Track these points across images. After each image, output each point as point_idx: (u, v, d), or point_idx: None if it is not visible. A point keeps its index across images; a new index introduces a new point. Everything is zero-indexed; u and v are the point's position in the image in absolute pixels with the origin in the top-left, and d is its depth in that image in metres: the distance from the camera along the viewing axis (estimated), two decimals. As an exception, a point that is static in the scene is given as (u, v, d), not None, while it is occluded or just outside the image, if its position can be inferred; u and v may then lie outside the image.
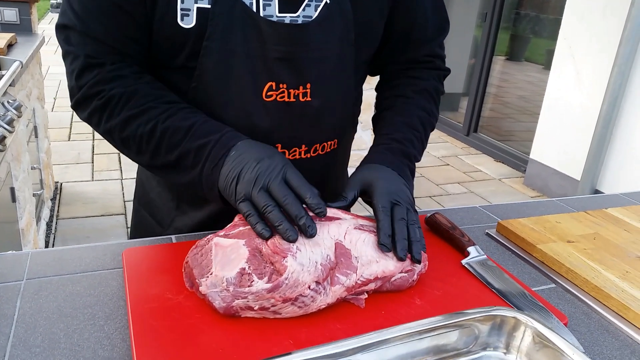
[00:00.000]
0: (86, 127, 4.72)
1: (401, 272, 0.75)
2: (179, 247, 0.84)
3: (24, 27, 2.93)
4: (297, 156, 0.93)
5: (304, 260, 0.69)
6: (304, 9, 0.84)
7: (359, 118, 1.11)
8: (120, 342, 0.65)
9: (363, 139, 3.56)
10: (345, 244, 0.75)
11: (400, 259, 0.75)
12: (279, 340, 0.64)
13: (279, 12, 0.83)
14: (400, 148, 0.92)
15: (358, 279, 0.72)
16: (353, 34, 0.89)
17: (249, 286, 0.66)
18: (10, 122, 1.74)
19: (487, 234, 1.01)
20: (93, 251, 0.85)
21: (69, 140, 4.62)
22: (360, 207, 0.85)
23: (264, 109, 0.87)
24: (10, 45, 2.47)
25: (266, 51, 0.84)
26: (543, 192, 4.21)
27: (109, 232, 3.13)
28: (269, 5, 0.83)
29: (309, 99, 0.89)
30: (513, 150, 4.85)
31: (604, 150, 3.57)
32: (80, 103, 0.86)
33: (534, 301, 0.76)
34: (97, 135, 4.55)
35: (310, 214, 0.73)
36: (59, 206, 3.38)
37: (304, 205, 0.73)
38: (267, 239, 0.71)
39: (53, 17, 12.47)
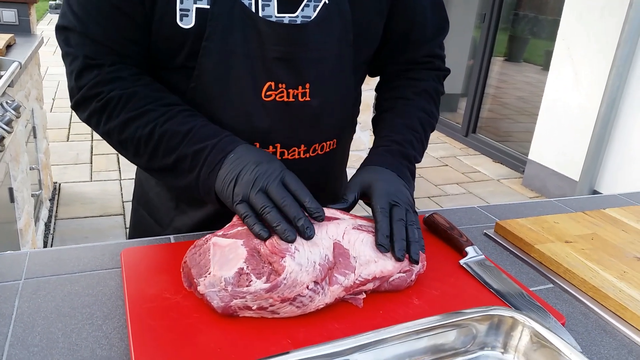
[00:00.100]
0: (85, 128, 4.74)
1: (399, 272, 0.75)
2: (178, 247, 0.84)
3: (22, 28, 2.93)
4: (296, 156, 0.93)
5: (302, 260, 0.69)
6: (302, 10, 0.84)
7: (357, 119, 1.11)
8: (119, 341, 0.65)
9: (362, 140, 3.56)
10: (344, 244, 0.75)
11: (398, 260, 0.75)
12: (277, 340, 0.65)
13: (278, 13, 0.83)
14: (399, 150, 0.92)
15: (356, 279, 0.72)
16: (352, 34, 0.89)
17: (247, 286, 0.67)
18: (8, 123, 1.74)
19: (485, 234, 1.01)
20: (91, 251, 0.85)
21: (67, 140, 4.62)
22: (359, 208, 0.86)
23: (263, 109, 0.87)
24: (9, 46, 2.47)
25: (265, 51, 0.84)
26: (541, 192, 4.22)
27: (108, 233, 3.13)
28: (268, 5, 0.83)
29: (308, 99, 0.89)
30: (511, 151, 4.85)
31: (602, 151, 3.58)
32: (80, 104, 0.86)
33: (531, 301, 0.76)
34: (96, 136, 4.57)
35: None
36: (57, 206, 3.38)
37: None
38: (265, 240, 0.71)
39: (52, 18, 12.47)
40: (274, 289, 0.66)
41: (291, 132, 0.91)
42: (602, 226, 1.02)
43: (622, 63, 3.36)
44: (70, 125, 4.99)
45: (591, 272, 0.85)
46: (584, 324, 0.76)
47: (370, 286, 0.73)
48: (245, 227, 0.75)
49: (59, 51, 0.86)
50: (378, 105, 1.05)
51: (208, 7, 0.80)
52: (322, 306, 0.69)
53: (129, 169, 3.95)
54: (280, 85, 0.86)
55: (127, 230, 3.18)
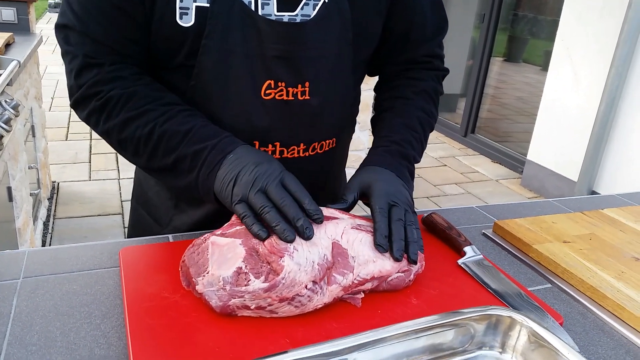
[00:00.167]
0: (83, 127, 4.73)
1: (398, 272, 0.75)
2: (176, 246, 0.84)
3: (21, 27, 2.93)
4: (296, 155, 0.93)
5: (301, 260, 0.69)
6: (302, 8, 0.85)
7: (357, 118, 1.11)
8: (117, 340, 0.65)
9: (361, 140, 3.56)
10: (342, 244, 0.75)
11: (397, 260, 0.75)
12: (276, 339, 0.65)
13: (278, 11, 0.83)
14: (399, 150, 0.92)
15: (355, 279, 0.72)
16: (351, 33, 0.90)
17: (245, 285, 0.67)
18: (7, 122, 1.73)
19: (484, 234, 1.01)
20: (90, 250, 0.85)
21: (66, 139, 4.62)
22: (358, 208, 0.86)
23: (262, 108, 0.87)
24: (8, 45, 2.46)
25: (265, 50, 0.84)
26: (540, 193, 4.22)
27: (106, 232, 3.12)
28: (268, 4, 0.83)
29: (307, 97, 0.89)
30: (510, 151, 4.86)
31: (601, 151, 3.58)
32: (79, 103, 0.86)
33: (529, 301, 0.76)
34: (95, 135, 4.56)
35: None
36: (56, 206, 3.38)
37: None
38: (263, 240, 0.71)
39: (51, 17, 12.45)
40: (272, 288, 0.66)
41: (291, 130, 0.91)
42: (600, 226, 1.02)
43: (621, 63, 3.36)
44: (69, 124, 4.98)
45: (589, 272, 0.85)
46: (582, 323, 0.77)
47: (368, 286, 0.74)
48: (244, 226, 0.75)
49: (58, 50, 0.86)
50: (377, 105, 1.05)
51: (208, 5, 0.80)
52: (320, 306, 0.69)
53: (128, 168, 3.95)
54: (279, 84, 0.87)
55: (126, 229, 3.18)
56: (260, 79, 0.86)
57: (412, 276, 0.77)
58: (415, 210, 0.86)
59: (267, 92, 0.87)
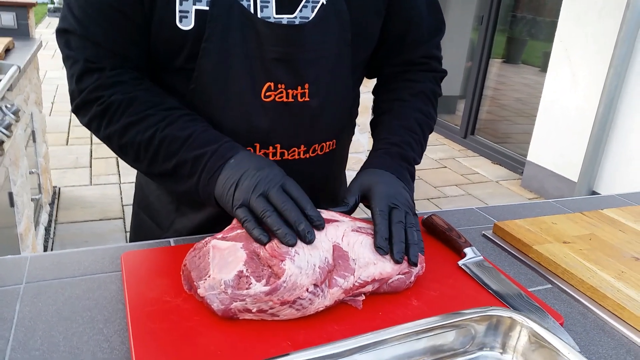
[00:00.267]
0: (84, 132, 4.74)
1: (398, 274, 0.75)
2: (177, 250, 0.84)
3: (21, 32, 2.93)
4: (296, 156, 0.93)
5: (302, 263, 0.69)
6: (300, 10, 0.85)
7: (356, 121, 1.12)
8: (120, 344, 0.66)
9: (360, 142, 3.56)
10: (343, 247, 0.75)
11: (397, 262, 0.75)
12: (277, 342, 0.65)
13: (276, 14, 0.84)
14: (398, 152, 0.93)
15: (356, 281, 0.72)
16: (349, 34, 0.90)
17: (247, 289, 0.67)
18: (8, 127, 1.74)
19: (484, 235, 1.01)
20: (92, 255, 0.85)
21: (67, 144, 4.62)
22: (358, 210, 0.86)
23: (262, 110, 0.88)
24: (7, 50, 2.47)
25: (264, 52, 0.85)
26: (540, 193, 4.22)
27: (108, 237, 3.13)
28: (267, 7, 0.83)
29: (307, 99, 0.90)
30: (510, 152, 4.86)
31: (601, 151, 3.58)
32: (80, 108, 0.86)
33: (530, 301, 0.76)
34: (95, 140, 4.56)
35: None
36: (57, 211, 3.38)
37: None
38: (264, 245, 0.71)
39: (50, 21, 12.47)
40: (273, 292, 0.67)
41: (291, 132, 0.91)
42: (600, 226, 1.03)
43: (619, 64, 3.37)
44: (69, 129, 4.99)
45: (589, 272, 0.85)
46: (582, 323, 0.77)
47: (369, 288, 0.74)
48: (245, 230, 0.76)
49: (57, 55, 0.87)
50: (376, 108, 1.05)
51: (207, 8, 0.81)
52: (321, 308, 0.70)
53: (129, 173, 3.95)
54: (279, 86, 0.87)
55: (127, 234, 3.18)
56: (260, 81, 0.86)
57: (412, 278, 0.77)
58: (416, 212, 0.86)
59: (267, 94, 0.87)
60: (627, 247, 0.95)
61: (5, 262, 0.82)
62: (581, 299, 0.82)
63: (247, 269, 0.69)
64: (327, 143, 0.98)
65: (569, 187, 3.91)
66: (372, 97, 1.09)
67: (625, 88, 3.44)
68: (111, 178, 3.94)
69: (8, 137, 1.75)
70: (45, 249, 2.88)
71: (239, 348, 0.63)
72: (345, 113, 1.01)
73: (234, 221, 0.79)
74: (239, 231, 0.75)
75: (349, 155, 1.16)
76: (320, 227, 0.74)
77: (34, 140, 2.93)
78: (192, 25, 0.81)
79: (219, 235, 0.76)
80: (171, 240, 0.90)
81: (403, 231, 0.78)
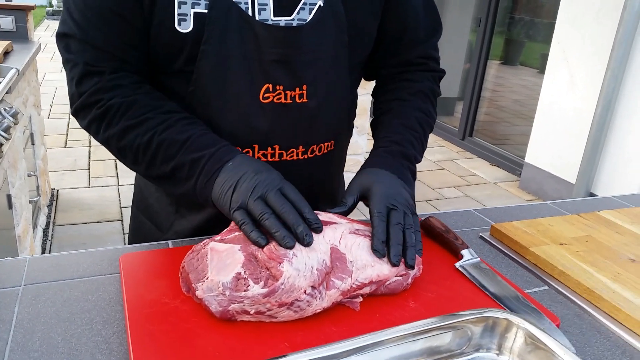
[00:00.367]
0: (82, 134, 4.74)
1: (396, 275, 0.76)
2: (176, 252, 0.84)
3: (20, 35, 2.94)
4: (295, 157, 0.94)
5: (300, 265, 0.70)
6: (298, 13, 0.86)
7: (354, 123, 1.12)
8: (118, 346, 0.66)
9: (359, 144, 3.57)
10: (341, 249, 0.76)
11: (394, 265, 0.75)
12: (275, 344, 0.65)
13: (274, 16, 0.85)
14: (399, 150, 0.93)
15: (353, 283, 0.73)
16: (346, 35, 0.91)
17: (244, 291, 0.67)
18: (7, 130, 1.74)
19: (481, 237, 1.02)
20: (90, 257, 0.85)
21: (65, 147, 4.62)
22: (356, 211, 0.86)
23: (261, 111, 0.88)
24: (6, 53, 2.47)
25: (262, 54, 0.85)
26: (538, 195, 4.23)
27: (106, 239, 3.13)
28: (264, 9, 0.84)
29: (305, 100, 0.90)
30: (508, 154, 4.87)
31: (598, 153, 3.59)
32: (80, 111, 0.87)
33: (526, 303, 0.77)
34: (94, 142, 4.56)
35: None
36: (55, 213, 3.38)
37: None
38: (262, 247, 0.71)
39: (49, 24, 12.47)
40: (271, 294, 0.67)
41: (289, 133, 0.92)
42: (597, 228, 1.03)
43: (617, 65, 3.38)
44: (67, 131, 4.99)
45: (585, 274, 0.86)
46: (579, 325, 0.77)
47: (367, 290, 0.74)
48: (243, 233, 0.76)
49: (56, 57, 0.88)
50: (375, 109, 1.06)
51: (205, 11, 0.81)
52: (319, 310, 0.70)
53: (127, 175, 3.95)
54: (277, 87, 0.88)
55: (125, 236, 3.18)
56: (258, 83, 0.87)
57: (410, 280, 0.77)
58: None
59: (266, 95, 0.88)
60: (623, 249, 0.96)
61: (4, 264, 0.82)
62: (577, 301, 0.82)
63: (245, 271, 0.69)
64: (326, 144, 0.98)
65: (567, 189, 3.92)
66: (370, 98, 1.09)
67: (623, 90, 3.45)
68: (109, 180, 3.94)
69: (7, 139, 1.75)
70: (43, 251, 2.88)
71: (237, 349, 0.64)
72: (344, 114, 1.01)
73: (232, 224, 0.79)
74: (237, 233, 0.76)
75: (348, 157, 1.16)
76: (318, 230, 0.74)
77: (33, 143, 2.94)
78: (191, 28, 0.82)
79: (217, 237, 0.76)
80: (169, 242, 0.91)
81: (401, 233, 0.78)
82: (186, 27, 0.82)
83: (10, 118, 1.80)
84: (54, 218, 3.31)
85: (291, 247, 0.70)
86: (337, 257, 0.74)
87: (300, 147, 0.94)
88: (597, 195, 3.56)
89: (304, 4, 0.86)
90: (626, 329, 0.76)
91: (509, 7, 5.21)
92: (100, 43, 0.83)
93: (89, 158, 4.35)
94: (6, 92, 1.98)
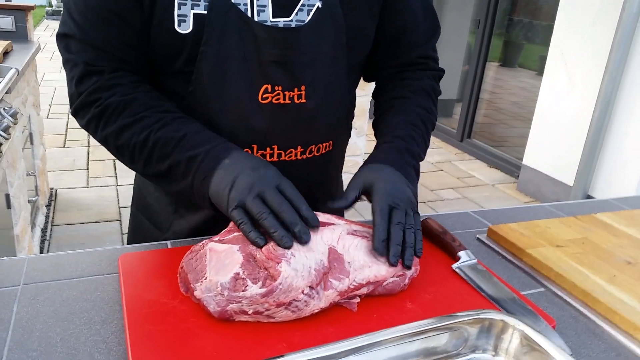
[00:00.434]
0: (81, 134, 4.74)
1: (393, 276, 0.76)
2: (174, 252, 0.85)
3: (19, 35, 2.94)
4: (293, 157, 0.94)
5: (297, 265, 0.70)
6: (296, 14, 0.86)
7: (353, 124, 1.12)
8: (116, 345, 0.66)
9: (358, 145, 3.58)
10: (338, 249, 0.76)
11: (392, 265, 0.76)
12: (273, 344, 0.66)
13: (273, 17, 0.85)
14: (404, 146, 0.92)
15: (351, 284, 0.73)
16: (345, 36, 0.91)
17: (243, 291, 0.68)
18: (6, 129, 1.74)
19: (478, 239, 1.02)
20: (89, 256, 0.86)
21: (64, 146, 4.62)
22: (354, 213, 0.87)
23: (260, 111, 0.89)
24: (6, 53, 2.48)
25: (261, 55, 0.86)
26: (536, 197, 4.24)
27: (104, 239, 3.13)
28: (263, 10, 0.84)
29: (303, 100, 0.90)
30: (506, 156, 4.87)
31: (596, 155, 3.60)
32: (79, 110, 0.87)
33: (522, 305, 0.77)
34: (92, 142, 4.56)
35: None
36: (54, 212, 3.38)
37: None
38: (261, 247, 0.72)
39: (49, 24, 12.46)
40: (269, 293, 0.67)
41: (288, 133, 0.92)
42: (593, 231, 1.04)
43: (615, 68, 3.39)
44: (66, 131, 4.99)
45: (581, 276, 0.86)
46: (574, 327, 0.78)
47: (364, 290, 0.75)
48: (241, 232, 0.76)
49: (55, 57, 0.88)
50: (376, 109, 1.05)
51: (205, 12, 0.82)
52: (317, 310, 0.70)
53: (126, 175, 3.96)
54: (276, 88, 0.88)
55: (124, 236, 3.18)
56: (257, 84, 0.87)
57: (407, 280, 0.78)
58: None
59: (264, 96, 0.88)
60: (619, 251, 0.96)
61: (3, 263, 0.83)
62: (573, 303, 0.83)
63: (243, 271, 0.69)
64: (324, 144, 0.98)
65: (564, 191, 3.93)
66: (369, 99, 1.10)
67: (621, 92, 3.46)
68: (108, 180, 3.94)
69: (6, 139, 1.75)
70: (41, 251, 2.88)
71: (235, 349, 0.64)
72: (342, 115, 1.02)
73: (231, 224, 0.79)
74: (235, 234, 0.76)
75: (346, 158, 1.17)
76: (315, 228, 0.74)
77: (32, 143, 2.94)
78: (191, 29, 0.82)
79: (216, 238, 0.76)
80: (168, 242, 0.91)
81: (401, 233, 0.78)
82: (186, 28, 0.82)
83: (10, 118, 1.81)
84: (53, 218, 3.31)
85: (289, 247, 0.71)
86: (334, 257, 0.75)
87: (299, 147, 0.94)
88: (594, 198, 3.57)
89: (303, 5, 0.87)
90: (621, 331, 0.77)
91: (508, 9, 5.22)
92: (100, 43, 0.83)
93: (88, 158, 4.35)
94: (6, 92, 1.98)
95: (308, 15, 0.87)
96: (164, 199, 1.02)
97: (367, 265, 0.75)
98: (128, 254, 0.83)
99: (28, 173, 2.63)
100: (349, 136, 1.13)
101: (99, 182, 3.91)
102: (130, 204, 1.15)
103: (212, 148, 0.81)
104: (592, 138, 3.55)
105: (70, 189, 3.76)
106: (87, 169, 4.14)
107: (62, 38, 0.86)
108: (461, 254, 0.88)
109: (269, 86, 0.88)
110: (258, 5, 0.84)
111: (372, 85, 1.12)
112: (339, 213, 1.14)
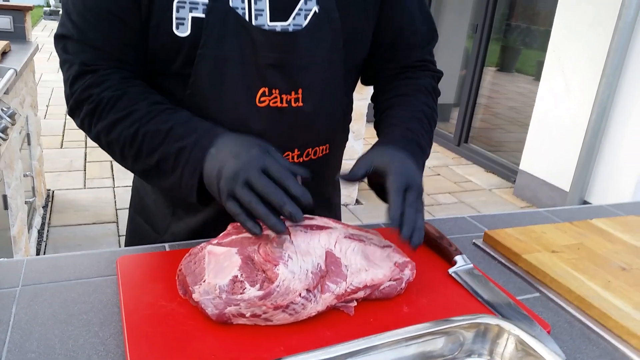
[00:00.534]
0: (78, 135, 4.74)
1: (389, 280, 0.77)
2: (173, 255, 0.85)
3: (18, 35, 2.94)
4: (290, 160, 0.95)
5: (295, 268, 0.71)
6: (294, 18, 0.87)
7: (350, 127, 1.13)
8: (115, 347, 0.67)
9: (355, 149, 3.58)
10: (336, 253, 0.77)
11: (404, 240, 0.75)
12: (270, 347, 0.66)
13: (271, 21, 0.86)
14: (414, 137, 0.92)
15: (347, 287, 0.74)
16: (342, 40, 0.92)
17: (241, 293, 0.68)
18: (4, 130, 1.75)
19: (474, 244, 1.03)
20: (88, 259, 0.86)
21: (61, 147, 4.62)
22: (352, 216, 0.87)
23: (257, 114, 0.89)
24: (4, 53, 2.48)
25: (259, 58, 0.86)
26: (532, 202, 4.25)
27: (101, 240, 3.13)
28: (261, 15, 0.85)
29: (300, 104, 0.91)
30: (503, 160, 4.89)
31: (592, 161, 3.62)
32: (74, 109, 0.88)
33: (518, 309, 0.78)
34: (90, 143, 4.55)
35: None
36: (50, 214, 3.38)
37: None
38: (259, 236, 0.72)
39: (46, 24, 12.45)
40: (267, 296, 0.68)
41: (285, 136, 0.93)
42: (589, 236, 1.05)
43: (611, 73, 3.40)
44: (64, 132, 4.98)
45: (577, 281, 0.87)
46: (569, 332, 0.78)
47: (361, 294, 0.75)
48: (240, 235, 0.77)
49: (53, 58, 0.89)
50: (377, 111, 1.05)
51: (203, 16, 0.83)
52: (314, 314, 0.71)
53: (123, 177, 3.95)
54: (273, 91, 0.89)
55: (121, 237, 3.18)
56: (254, 87, 0.88)
57: (403, 284, 0.78)
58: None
59: (262, 99, 0.89)
60: (614, 257, 0.97)
61: (1, 265, 0.83)
62: (568, 308, 0.83)
63: (241, 274, 0.70)
64: (321, 147, 0.99)
65: (561, 196, 3.94)
66: (366, 104, 1.10)
67: (618, 98, 3.48)
68: (105, 182, 3.93)
69: (4, 140, 1.75)
70: (38, 252, 2.88)
71: (233, 352, 0.64)
72: (339, 118, 1.02)
73: (229, 227, 0.80)
74: (234, 237, 0.77)
75: (344, 161, 1.17)
76: (308, 204, 0.73)
77: (29, 143, 2.93)
78: (189, 32, 0.83)
79: (214, 241, 0.77)
80: (166, 245, 0.91)
81: (414, 214, 0.77)
82: (184, 31, 0.83)
83: (8, 119, 1.81)
84: (49, 219, 3.31)
85: (281, 231, 0.71)
86: (331, 261, 0.75)
87: (296, 150, 0.95)
88: (590, 203, 3.58)
89: (300, 9, 0.87)
90: (616, 337, 0.77)
91: (506, 14, 5.24)
92: (99, 44, 0.84)
93: (85, 159, 4.35)
94: (4, 93, 1.99)
95: (305, 19, 0.88)
96: (161, 201, 1.02)
97: (363, 269, 0.76)
98: (126, 257, 0.84)
99: (25, 174, 2.63)
100: (346, 139, 1.13)
101: (96, 183, 3.91)
102: (127, 206, 1.15)
103: (200, 137, 0.80)
104: (589, 143, 3.57)
105: (67, 190, 3.76)
106: (84, 170, 4.14)
107: (60, 39, 0.86)
108: (457, 258, 0.89)
109: (266, 89, 0.88)
110: (256, 10, 0.85)
111: (370, 89, 1.12)
112: (336, 217, 1.15)
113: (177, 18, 0.82)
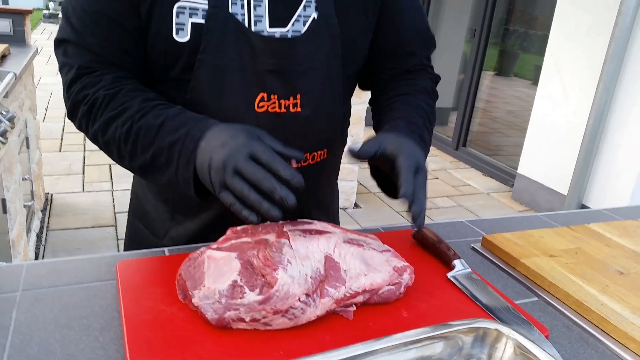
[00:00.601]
0: (77, 138, 4.74)
1: (388, 284, 0.77)
2: (172, 259, 0.85)
3: (17, 38, 2.94)
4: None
5: (294, 272, 0.71)
6: (293, 24, 0.88)
7: (349, 131, 1.13)
8: (115, 352, 0.67)
9: (353, 153, 3.59)
10: (335, 257, 0.77)
11: (414, 218, 0.76)
12: (270, 352, 0.66)
13: (270, 28, 0.86)
14: (416, 130, 0.92)
15: (347, 292, 0.74)
16: (340, 47, 0.92)
17: (240, 298, 0.68)
18: (3, 134, 1.75)
19: (473, 248, 1.03)
20: (88, 263, 0.86)
21: (60, 151, 4.62)
22: (350, 220, 0.87)
23: (256, 120, 0.90)
24: (3, 57, 2.48)
25: (258, 64, 0.87)
26: (531, 206, 4.26)
27: (100, 244, 3.12)
28: (260, 21, 0.86)
29: (299, 109, 0.91)
30: (501, 164, 4.90)
31: (590, 165, 3.63)
32: (72, 112, 0.88)
33: (516, 314, 0.78)
34: (88, 147, 4.54)
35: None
36: (49, 217, 3.37)
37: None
38: (256, 223, 0.71)
39: (45, 27, 12.46)
40: (266, 301, 0.68)
41: (283, 142, 0.93)
42: (586, 241, 1.05)
43: (608, 78, 3.42)
44: (62, 135, 4.98)
45: (575, 285, 0.88)
46: (567, 336, 0.79)
47: (360, 299, 0.75)
48: (239, 240, 0.77)
49: (52, 61, 0.89)
50: (377, 110, 1.04)
51: (203, 22, 0.83)
52: (313, 318, 0.71)
53: (122, 180, 3.95)
54: (272, 97, 0.89)
55: (119, 241, 3.18)
56: (253, 92, 0.88)
57: (402, 289, 0.79)
58: (405, 224, 0.87)
59: (260, 104, 0.89)
60: (612, 261, 0.97)
61: (1, 269, 0.83)
62: (566, 312, 0.84)
63: (241, 279, 0.70)
64: (319, 152, 0.99)
65: (559, 200, 3.95)
66: (365, 107, 1.11)
67: (615, 103, 3.49)
68: (104, 185, 3.93)
69: (3, 143, 1.75)
70: (36, 256, 2.88)
71: (233, 357, 0.65)
72: (337, 123, 1.03)
73: (229, 231, 0.80)
74: (233, 242, 0.77)
75: (342, 165, 1.18)
76: (300, 185, 0.72)
77: (28, 147, 2.94)
78: (188, 37, 0.83)
79: (214, 245, 0.77)
80: (166, 249, 0.92)
81: (423, 196, 0.78)
82: (183, 37, 0.83)
83: (7, 122, 1.81)
84: (48, 223, 3.30)
85: (277, 217, 0.70)
86: (330, 265, 0.76)
87: None
88: (588, 207, 3.59)
89: (299, 16, 0.88)
90: (614, 341, 0.78)
91: (504, 18, 5.26)
92: (97, 48, 0.84)
93: (84, 163, 4.35)
94: (3, 97, 1.99)
95: (304, 25, 0.88)
96: (161, 206, 1.03)
97: (362, 274, 0.76)
98: (126, 261, 0.84)
99: (24, 177, 2.63)
100: (345, 144, 1.14)
101: (95, 187, 3.91)
102: (125, 209, 1.15)
103: (191, 129, 0.80)
104: (586, 148, 3.58)
105: (66, 194, 3.75)
106: (83, 173, 4.14)
107: (60, 43, 0.87)
108: (456, 262, 0.89)
109: (265, 95, 0.89)
110: (255, 16, 0.85)
111: (368, 93, 1.12)
112: (335, 221, 1.15)
113: (177, 23, 0.83)
